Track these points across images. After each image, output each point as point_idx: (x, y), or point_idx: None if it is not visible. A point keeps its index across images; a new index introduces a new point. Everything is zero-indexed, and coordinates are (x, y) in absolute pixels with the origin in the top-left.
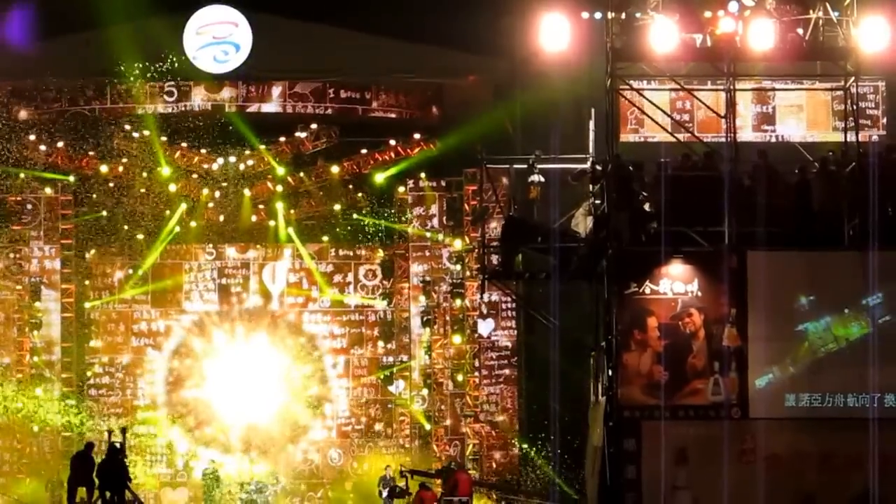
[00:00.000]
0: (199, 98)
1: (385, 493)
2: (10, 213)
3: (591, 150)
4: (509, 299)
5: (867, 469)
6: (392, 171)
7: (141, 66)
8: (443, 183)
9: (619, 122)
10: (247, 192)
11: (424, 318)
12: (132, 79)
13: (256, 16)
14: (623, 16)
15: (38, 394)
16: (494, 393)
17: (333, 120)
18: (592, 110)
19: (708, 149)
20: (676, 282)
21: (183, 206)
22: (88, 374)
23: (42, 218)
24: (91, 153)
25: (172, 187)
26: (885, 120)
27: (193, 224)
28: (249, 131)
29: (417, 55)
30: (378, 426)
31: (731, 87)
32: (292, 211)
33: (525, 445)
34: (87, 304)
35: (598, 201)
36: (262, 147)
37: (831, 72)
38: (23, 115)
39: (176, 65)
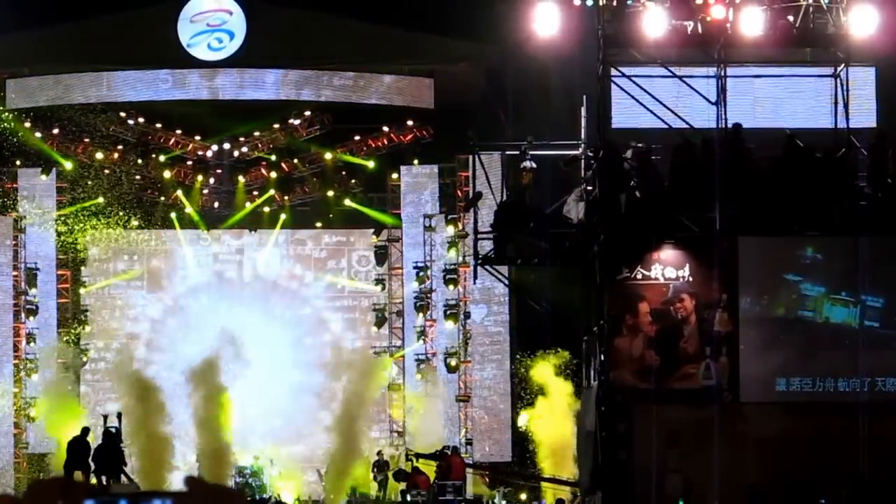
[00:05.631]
0: (193, 86)
1: (379, 477)
2: (6, 201)
3: (582, 136)
4: (502, 285)
5: (857, 453)
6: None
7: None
8: (436, 169)
9: (611, 108)
10: (241, 179)
11: (417, 304)
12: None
13: (250, 4)
14: (614, 2)
15: (34, 379)
16: (487, 378)
17: (327, 107)
18: (584, 96)
19: (702, 136)
20: (668, 267)
21: (180, 193)
22: (84, 359)
23: (38, 204)
24: (87, 140)
25: (167, 174)
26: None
27: (188, 210)
28: (243, 118)
29: (410, 42)
30: (372, 410)
31: (722, 73)
32: (286, 197)
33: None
34: (82, 290)
35: (589, 187)
36: (256, 134)
37: (821, 58)
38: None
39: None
